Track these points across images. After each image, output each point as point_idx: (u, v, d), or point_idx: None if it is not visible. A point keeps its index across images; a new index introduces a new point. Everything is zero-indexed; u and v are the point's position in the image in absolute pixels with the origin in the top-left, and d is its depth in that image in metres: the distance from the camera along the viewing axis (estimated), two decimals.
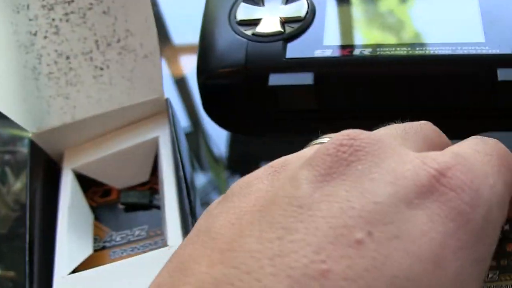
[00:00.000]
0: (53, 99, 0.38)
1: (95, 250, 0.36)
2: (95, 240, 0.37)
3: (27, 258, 0.32)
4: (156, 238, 0.36)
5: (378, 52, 0.35)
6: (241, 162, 0.45)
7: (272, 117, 0.38)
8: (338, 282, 0.16)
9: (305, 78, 0.35)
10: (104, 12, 0.37)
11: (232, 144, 0.44)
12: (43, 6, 0.37)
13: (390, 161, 0.19)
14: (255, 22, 0.38)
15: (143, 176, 0.39)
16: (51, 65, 0.38)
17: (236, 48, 0.37)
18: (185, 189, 0.33)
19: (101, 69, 0.38)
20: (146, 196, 0.38)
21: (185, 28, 0.54)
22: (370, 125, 0.38)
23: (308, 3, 0.38)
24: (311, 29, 0.37)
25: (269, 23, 0.37)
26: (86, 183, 0.39)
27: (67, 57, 0.38)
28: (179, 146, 0.35)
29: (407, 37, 0.36)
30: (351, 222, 0.17)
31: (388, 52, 0.35)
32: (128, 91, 0.38)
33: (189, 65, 0.51)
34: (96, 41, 0.38)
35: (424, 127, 0.24)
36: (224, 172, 0.45)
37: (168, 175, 0.35)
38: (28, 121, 0.37)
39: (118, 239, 0.37)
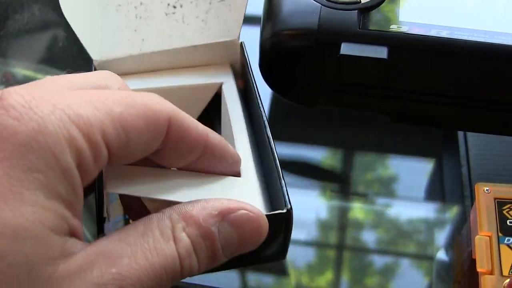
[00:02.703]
0: (120, 31, 0.36)
1: None
2: None
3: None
4: None
5: (455, 36, 0.34)
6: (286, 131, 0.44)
7: (333, 88, 0.37)
8: None
9: (379, 52, 0.34)
10: None
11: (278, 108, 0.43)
12: None
13: None
14: None
15: None
16: None
17: (308, 11, 0.35)
18: (271, 148, 0.31)
19: (174, 7, 0.37)
20: None
21: None
22: (432, 109, 0.37)
23: None
24: (386, 2, 0.36)
25: None
26: None
27: None
28: (259, 97, 0.32)
29: (486, 23, 0.35)
30: None
31: (465, 37, 0.34)
32: (202, 30, 0.36)
33: None
34: None
35: None
36: None
37: (240, 127, 0.32)
38: (94, 48, 0.35)
39: None
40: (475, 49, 0.34)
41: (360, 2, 0.35)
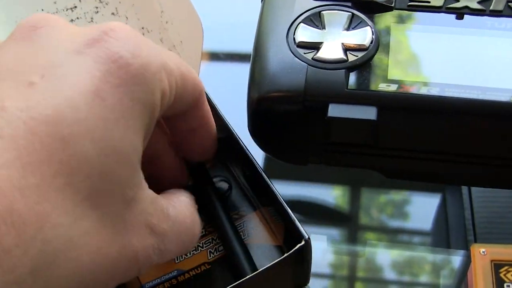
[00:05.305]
0: None
1: None
2: None
3: None
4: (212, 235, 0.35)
5: (446, 93, 0.33)
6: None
7: (323, 148, 0.36)
8: (14, 112, 0.20)
9: (368, 113, 0.33)
10: (113, 14, 0.37)
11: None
12: None
13: (68, 28, 0.24)
14: (315, 46, 0.36)
15: None
16: None
17: (295, 72, 0.34)
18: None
19: None
20: None
21: None
22: (425, 167, 0.36)
23: (372, 31, 0.36)
24: (375, 60, 0.35)
25: (331, 49, 0.35)
26: None
27: None
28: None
29: (477, 79, 0.34)
30: (28, 69, 0.22)
31: (457, 94, 0.33)
32: None
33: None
34: None
35: None
36: None
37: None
38: None
39: None
40: (466, 106, 0.33)
41: (348, 60, 0.35)
